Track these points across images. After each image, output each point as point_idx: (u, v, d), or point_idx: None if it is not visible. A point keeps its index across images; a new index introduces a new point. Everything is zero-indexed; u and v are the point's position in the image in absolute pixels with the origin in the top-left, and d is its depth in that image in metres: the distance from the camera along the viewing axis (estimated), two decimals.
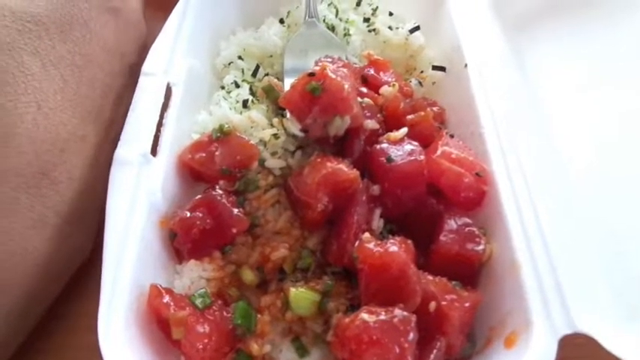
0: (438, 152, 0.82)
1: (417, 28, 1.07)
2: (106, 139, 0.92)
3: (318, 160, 0.83)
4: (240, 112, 0.95)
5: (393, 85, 0.94)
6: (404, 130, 0.85)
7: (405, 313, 0.68)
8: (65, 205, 0.82)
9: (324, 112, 0.82)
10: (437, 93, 1.03)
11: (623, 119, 0.90)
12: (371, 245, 0.72)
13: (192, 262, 0.80)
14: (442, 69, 1.03)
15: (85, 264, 0.89)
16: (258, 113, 0.94)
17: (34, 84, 0.80)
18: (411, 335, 0.67)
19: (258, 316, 0.78)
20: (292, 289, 0.78)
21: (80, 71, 0.88)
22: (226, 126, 0.89)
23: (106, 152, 0.87)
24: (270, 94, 0.97)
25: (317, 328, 0.78)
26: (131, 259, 0.75)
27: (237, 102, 0.96)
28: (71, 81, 0.86)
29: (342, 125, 0.83)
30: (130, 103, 0.89)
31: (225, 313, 0.75)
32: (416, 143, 0.84)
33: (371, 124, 0.85)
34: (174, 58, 0.99)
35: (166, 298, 0.72)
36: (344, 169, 0.81)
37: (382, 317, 0.67)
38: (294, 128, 0.86)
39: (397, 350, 0.65)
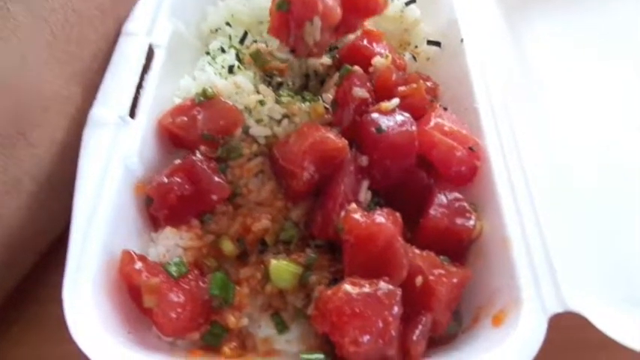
0: (431, 124, 0.78)
1: (413, 1, 1.03)
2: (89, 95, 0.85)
3: (305, 128, 0.79)
4: (226, 78, 0.91)
5: (386, 56, 0.90)
6: (395, 101, 0.82)
7: (390, 287, 0.64)
8: (43, 171, 0.77)
9: (298, 24, 0.81)
10: (431, 69, 1.00)
11: (619, 94, 0.88)
12: (357, 215, 0.69)
13: (169, 229, 0.76)
14: (437, 44, 0.99)
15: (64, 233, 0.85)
16: (244, 78, 0.89)
17: (19, 34, 0.74)
18: (396, 309, 0.63)
19: (237, 288, 0.74)
20: (273, 261, 0.74)
21: (71, 28, 0.81)
22: (210, 90, 0.85)
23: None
24: (258, 60, 0.93)
25: (298, 303, 0.75)
26: (102, 224, 0.72)
27: (223, 67, 0.92)
28: (61, 37, 0.79)
29: (315, 29, 0.81)
30: None
31: (201, 284, 0.72)
32: (407, 114, 0.80)
33: (360, 92, 0.82)
34: (158, 19, 0.95)
35: (138, 265, 0.69)
36: (332, 137, 0.77)
37: (366, 289, 0.64)
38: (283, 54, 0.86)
39: (380, 324, 0.62)
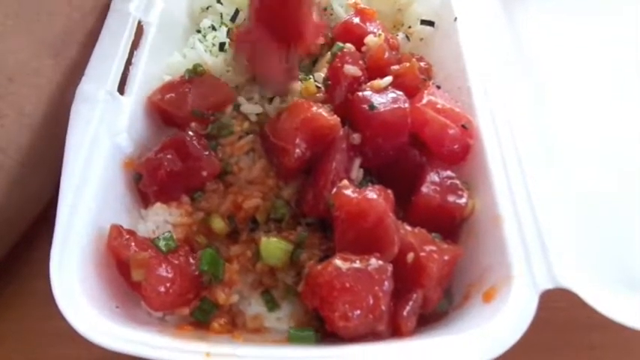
0: (424, 101, 0.78)
1: None
2: (72, 81, 0.83)
3: (297, 105, 0.78)
4: (216, 56, 0.90)
5: (379, 35, 0.89)
6: (388, 79, 0.81)
7: (381, 262, 0.64)
8: (14, 144, 0.76)
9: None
10: (424, 49, 0.99)
11: (612, 75, 0.88)
12: (348, 192, 0.68)
13: (159, 205, 0.76)
14: (431, 23, 0.98)
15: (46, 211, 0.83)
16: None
17: None
18: (386, 284, 0.63)
19: (227, 265, 0.73)
20: (263, 238, 0.74)
21: None
22: (201, 66, 0.84)
23: (71, 96, 0.80)
24: None
25: (288, 280, 0.74)
26: (90, 200, 0.71)
27: (214, 45, 0.91)
28: (28, 7, 0.78)
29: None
30: None
31: (191, 259, 0.71)
32: (400, 92, 0.79)
33: (352, 69, 0.81)
34: None
35: (127, 239, 0.68)
36: (324, 114, 0.77)
37: (356, 265, 0.63)
38: None
39: (370, 299, 0.62)
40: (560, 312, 0.73)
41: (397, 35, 0.99)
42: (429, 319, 0.70)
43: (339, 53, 0.82)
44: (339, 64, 0.81)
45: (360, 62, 0.84)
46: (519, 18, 0.98)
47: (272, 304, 0.75)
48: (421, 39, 1.00)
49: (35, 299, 0.78)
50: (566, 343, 0.76)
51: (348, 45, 0.85)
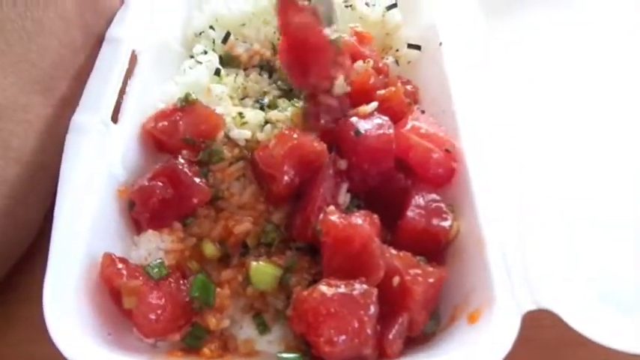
0: (408, 126, 0.80)
1: (394, 5, 1.04)
2: (62, 115, 0.84)
3: (285, 132, 0.80)
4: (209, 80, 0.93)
5: (367, 61, 0.92)
6: (374, 105, 0.83)
7: (366, 287, 0.65)
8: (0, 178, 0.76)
9: None
10: (412, 72, 1.01)
11: (597, 97, 0.90)
12: (334, 217, 0.70)
13: (150, 232, 0.77)
14: (417, 47, 1.01)
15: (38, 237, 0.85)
16: (224, 88, 0.92)
17: None
18: (372, 308, 0.65)
19: (218, 290, 0.75)
20: (253, 263, 0.75)
21: (29, 37, 0.80)
22: (192, 95, 0.86)
23: (62, 129, 0.81)
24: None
25: (278, 304, 0.76)
26: (84, 228, 0.73)
27: (207, 68, 0.93)
28: (17, 46, 0.79)
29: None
30: None
31: (182, 286, 0.73)
32: (386, 118, 0.81)
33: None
34: (141, 25, 0.96)
35: (119, 267, 0.69)
36: (310, 141, 0.79)
37: (342, 290, 0.65)
38: None
39: (356, 324, 0.63)
40: (546, 330, 0.74)
41: (387, 59, 1.01)
42: (417, 340, 0.72)
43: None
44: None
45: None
46: (505, 40, 1.01)
47: (263, 328, 0.76)
48: (409, 62, 1.03)
49: (25, 324, 0.79)
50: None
51: None
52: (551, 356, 0.79)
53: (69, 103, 0.85)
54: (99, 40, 0.92)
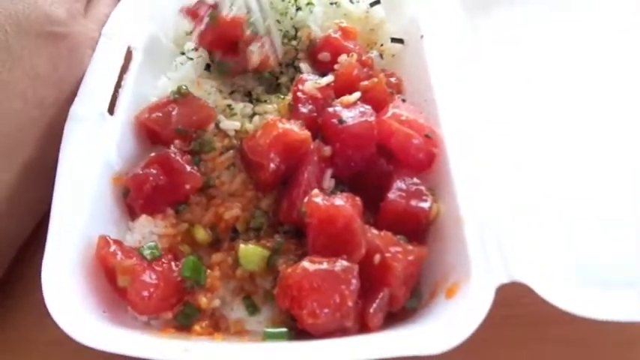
0: (389, 114, 0.83)
1: (378, 2, 1.08)
2: (27, 179, 0.82)
3: (270, 122, 0.84)
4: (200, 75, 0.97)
5: (351, 55, 0.96)
6: (357, 95, 0.87)
7: (347, 263, 0.69)
8: None
9: None
10: (396, 65, 1.05)
11: (572, 84, 0.94)
12: (318, 199, 0.74)
13: (144, 217, 0.81)
14: (400, 41, 1.05)
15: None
16: (214, 83, 0.96)
17: None
18: (353, 283, 0.68)
19: (208, 271, 0.78)
20: (242, 245, 0.79)
21: None
22: (184, 87, 0.90)
23: (26, 194, 0.81)
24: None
25: (266, 285, 0.79)
26: (80, 213, 0.76)
27: (197, 64, 0.97)
28: None
29: None
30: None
31: (174, 266, 0.76)
32: (368, 106, 0.85)
33: (310, 90, 0.88)
34: (135, 23, 1.00)
35: (113, 248, 0.73)
36: (295, 129, 0.82)
37: (324, 266, 0.68)
38: None
39: (337, 298, 0.67)
40: (526, 307, 0.77)
41: (371, 53, 1.05)
42: (399, 316, 0.75)
43: (298, 78, 0.90)
44: (298, 87, 0.88)
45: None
46: (485, 33, 1.05)
47: (253, 309, 0.79)
48: (393, 55, 1.06)
49: (31, 312, 0.82)
50: (532, 337, 0.80)
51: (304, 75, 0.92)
52: (530, 333, 0.82)
53: (35, 165, 0.83)
54: (72, 96, 0.87)
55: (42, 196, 0.79)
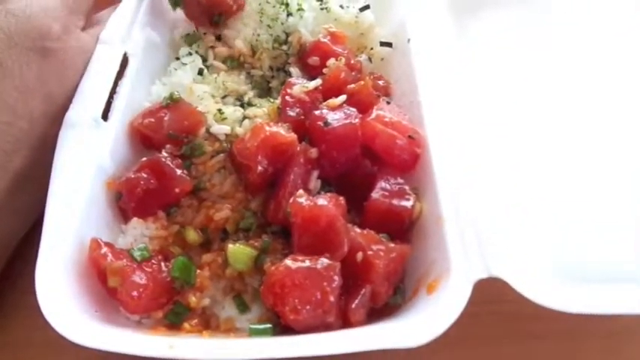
0: (372, 115, 0.85)
1: (367, 7, 1.11)
2: (18, 186, 0.83)
3: (258, 125, 0.87)
4: (193, 80, 1.00)
5: (339, 59, 0.98)
6: (342, 97, 0.89)
7: (329, 261, 0.71)
8: None
9: None
10: (385, 68, 1.07)
11: (557, 90, 0.96)
12: (302, 199, 0.76)
13: (135, 220, 0.83)
14: (389, 45, 1.07)
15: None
16: (207, 87, 0.99)
17: None
18: (335, 280, 0.70)
19: (198, 271, 0.81)
20: (230, 245, 0.81)
21: None
22: (176, 94, 0.93)
23: (18, 203, 0.83)
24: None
25: (255, 284, 0.81)
26: (74, 216, 0.78)
27: (191, 69, 1.00)
28: None
29: None
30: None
31: (163, 267, 0.79)
32: (353, 109, 0.87)
33: (298, 94, 0.91)
34: (132, 29, 1.03)
35: (104, 250, 0.76)
36: (282, 132, 0.85)
37: (306, 264, 0.70)
38: None
39: (319, 294, 0.69)
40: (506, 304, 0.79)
41: (360, 57, 1.08)
42: (383, 312, 0.77)
43: (287, 82, 0.93)
44: (286, 91, 0.91)
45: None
46: (472, 37, 1.07)
47: (243, 307, 0.81)
48: (382, 59, 1.08)
49: (27, 312, 0.83)
50: (511, 333, 0.81)
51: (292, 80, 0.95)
52: (509, 329, 0.83)
53: (25, 175, 0.84)
54: (64, 109, 0.88)
55: (34, 201, 0.81)
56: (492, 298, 0.73)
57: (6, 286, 0.88)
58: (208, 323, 0.80)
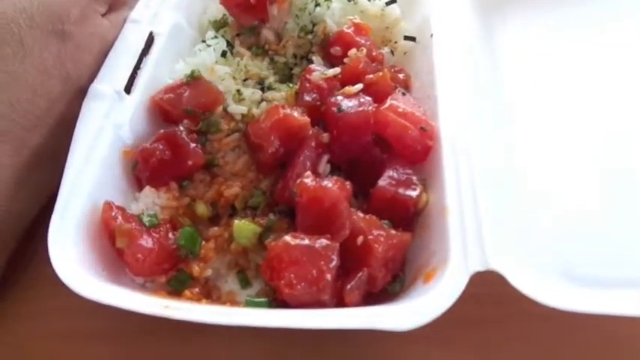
0: (386, 105, 0.86)
1: (394, 0, 1.11)
2: (36, 167, 0.86)
3: (273, 107, 0.89)
4: (216, 62, 1.02)
5: (361, 49, 0.99)
6: (359, 86, 0.90)
7: (328, 242, 0.72)
8: None
9: None
10: (407, 62, 1.07)
11: (574, 90, 0.95)
12: (308, 180, 0.77)
13: (148, 188, 0.86)
14: (412, 39, 1.07)
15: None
16: (228, 69, 1.02)
17: None
18: (332, 260, 0.71)
19: (204, 243, 0.83)
20: (236, 221, 0.83)
21: (0, 89, 0.83)
22: (197, 71, 0.95)
23: (34, 178, 0.85)
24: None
25: (258, 260, 0.83)
26: (89, 179, 0.82)
27: (215, 51, 1.03)
28: None
29: None
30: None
31: (170, 235, 0.81)
32: (368, 98, 0.88)
33: (316, 80, 0.92)
34: (161, 10, 1.07)
35: (115, 212, 0.79)
36: (295, 115, 0.86)
37: (305, 242, 0.72)
38: None
39: (315, 272, 0.70)
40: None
41: (383, 49, 1.08)
42: (381, 299, 0.77)
43: (307, 68, 0.95)
44: (305, 76, 0.93)
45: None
46: (498, 36, 1.06)
47: (245, 283, 0.83)
48: (405, 53, 1.09)
49: (47, 281, 0.87)
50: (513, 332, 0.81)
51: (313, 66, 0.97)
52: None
53: (42, 153, 0.86)
54: (81, 91, 0.90)
55: (50, 178, 0.84)
56: (491, 290, 0.72)
57: (24, 260, 0.91)
58: (210, 294, 0.83)
